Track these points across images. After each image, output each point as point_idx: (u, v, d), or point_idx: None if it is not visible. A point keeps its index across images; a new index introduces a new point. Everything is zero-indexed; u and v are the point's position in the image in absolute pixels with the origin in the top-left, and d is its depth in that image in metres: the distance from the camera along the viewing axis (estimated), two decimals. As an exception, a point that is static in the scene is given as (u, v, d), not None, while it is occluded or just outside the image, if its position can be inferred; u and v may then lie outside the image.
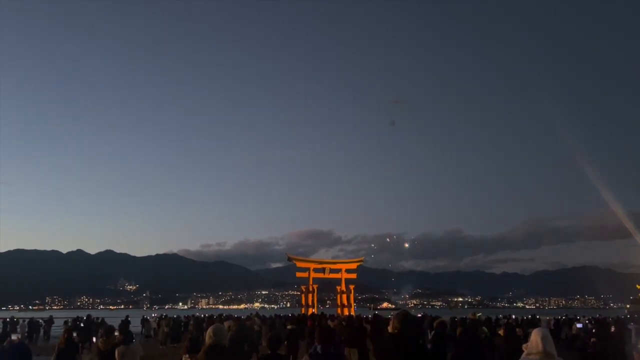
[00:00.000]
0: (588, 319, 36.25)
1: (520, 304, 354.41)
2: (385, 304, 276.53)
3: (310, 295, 57.75)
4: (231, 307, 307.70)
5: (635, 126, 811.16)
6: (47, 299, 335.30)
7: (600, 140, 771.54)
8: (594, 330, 26.58)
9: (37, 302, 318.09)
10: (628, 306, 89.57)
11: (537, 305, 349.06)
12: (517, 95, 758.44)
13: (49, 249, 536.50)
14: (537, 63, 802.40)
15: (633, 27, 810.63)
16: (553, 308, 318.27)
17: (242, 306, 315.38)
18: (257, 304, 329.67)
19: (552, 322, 32.82)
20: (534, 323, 30.97)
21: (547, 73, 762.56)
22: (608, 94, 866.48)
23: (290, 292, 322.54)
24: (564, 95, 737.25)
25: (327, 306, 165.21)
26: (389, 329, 5.85)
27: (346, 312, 53.65)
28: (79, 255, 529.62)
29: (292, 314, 41.87)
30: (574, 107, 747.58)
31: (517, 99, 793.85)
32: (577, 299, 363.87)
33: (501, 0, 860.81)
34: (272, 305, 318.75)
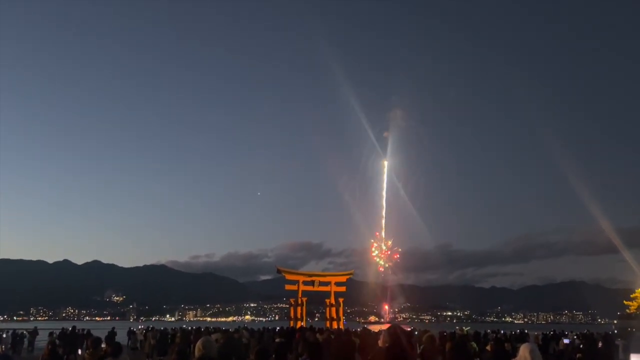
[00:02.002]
0: (576, 335, 36.40)
1: (508, 319, 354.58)
2: (372, 317, 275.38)
3: (299, 308, 57.51)
4: (219, 319, 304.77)
5: (624, 144, 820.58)
6: (32, 310, 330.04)
7: (590, 156, 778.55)
8: (581, 346, 26.69)
9: (21, 312, 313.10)
10: (615, 322, 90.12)
11: (526, 320, 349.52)
12: (507, 111, 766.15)
13: (34, 259, 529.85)
14: (531, 77, 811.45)
15: (632, 44, 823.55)
16: (541, 323, 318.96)
17: (230, 319, 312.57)
18: (247, 317, 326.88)
19: (540, 337, 32.90)
20: (522, 338, 31.06)
21: (538, 89, 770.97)
22: (599, 111, 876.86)
23: (280, 305, 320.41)
24: (555, 112, 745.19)
25: (316, 319, 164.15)
26: (379, 343, 5.88)
27: (335, 326, 53.41)
28: (65, 265, 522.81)
29: (281, 327, 41.61)
30: (564, 124, 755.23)
31: (507, 114, 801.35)
32: (565, 314, 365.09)
33: (500, 7, 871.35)
34: (261, 318, 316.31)
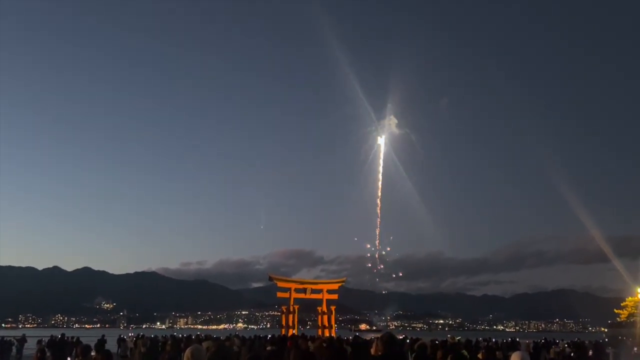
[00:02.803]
0: (567, 343, 36.52)
1: (500, 327, 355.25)
2: (363, 326, 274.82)
3: (291, 316, 57.17)
4: (210, 327, 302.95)
5: (615, 154, 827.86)
6: (20, 317, 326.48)
7: (581, 166, 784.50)
8: (572, 354, 26.80)
9: (9, 319, 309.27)
10: (606, 330, 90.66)
11: (517, 328, 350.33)
12: (500, 120, 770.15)
13: (24, 265, 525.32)
14: (523, 87, 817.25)
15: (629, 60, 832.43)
16: (533, 331, 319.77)
17: (221, 326, 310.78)
18: (240, 324, 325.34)
19: (531, 346, 32.99)
20: (513, 346, 31.11)
21: (530, 98, 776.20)
22: (589, 119, 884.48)
23: (271, 313, 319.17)
24: (546, 122, 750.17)
25: (308, 327, 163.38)
26: (372, 351, 5.87)
27: (327, 334, 53.21)
28: (55, 272, 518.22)
29: (273, 335, 41.42)
30: (555, 132, 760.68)
31: (500, 123, 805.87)
32: (557, 323, 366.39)
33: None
34: (252, 326, 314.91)
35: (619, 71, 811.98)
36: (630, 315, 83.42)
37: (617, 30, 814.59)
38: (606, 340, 59.55)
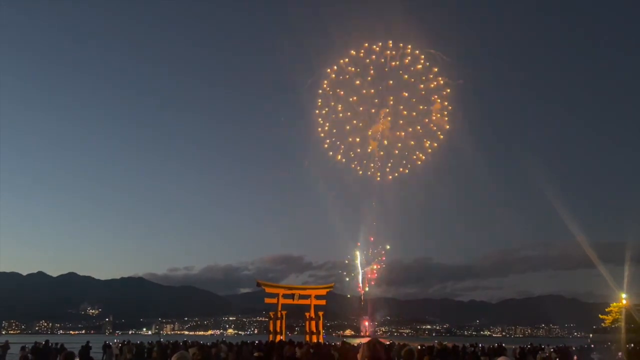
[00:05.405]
0: (552, 348, 36.81)
1: (487, 332, 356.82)
2: (348, 331, 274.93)
3: (278, 322, 57.02)
4: (197, 333, 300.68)
5: (601, 161, 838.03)
6: (4, 323, 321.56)
7: (567, 173, 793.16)
8: (557, 359, 26.99)
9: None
10: (591, 335, 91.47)
11: (504, 333, 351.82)
12: (485, 127, 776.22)
13: (8, 270, 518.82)
14: (508, 94, 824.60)
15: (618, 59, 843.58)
16: (519, 336, 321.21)
17: (209, 332, 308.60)
18: (230, 331, 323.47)
19: (517, 351, 33.21)
20: (500, 352, 31.30)
21: (515, 105, 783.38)
22: (577, 127, 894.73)
23: (259, 319, 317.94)
24: (532, 129, 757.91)
25: (296, 333, 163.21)
26: (359, 356, 5.89)
27: (315, 339, 53.11)
28: (40, 277, 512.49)
29: (260, 341, 41.24)
30: (542, 140, 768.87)
31: (487, 131, 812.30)
32: (543, 328, 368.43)
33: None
34: (240, 332, 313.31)
35: (608, 81, 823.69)
36: (615, 320, 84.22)
37: (612, 39, 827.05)
38: (591, 345, 60.05)
